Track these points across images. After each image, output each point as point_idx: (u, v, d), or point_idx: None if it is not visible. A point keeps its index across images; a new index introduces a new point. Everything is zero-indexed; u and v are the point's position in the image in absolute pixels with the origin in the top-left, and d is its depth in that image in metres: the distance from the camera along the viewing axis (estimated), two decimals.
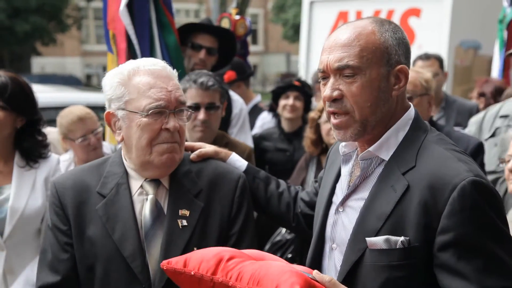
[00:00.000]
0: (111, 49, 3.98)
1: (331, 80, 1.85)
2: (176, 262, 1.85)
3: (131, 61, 2.24)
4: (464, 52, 7.45)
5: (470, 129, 3.66)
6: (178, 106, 2.15)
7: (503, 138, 3.33)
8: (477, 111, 4.95)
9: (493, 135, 3.39)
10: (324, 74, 1.88)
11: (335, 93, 1.84)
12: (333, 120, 1.88)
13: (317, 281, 1.68)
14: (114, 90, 2.16)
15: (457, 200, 1.68)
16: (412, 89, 3.20)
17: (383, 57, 1.83)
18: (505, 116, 3.38)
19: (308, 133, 4.09)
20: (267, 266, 1.74)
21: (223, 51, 4.27)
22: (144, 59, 2.26)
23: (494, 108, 3.52)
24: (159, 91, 2.11)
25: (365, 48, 1.81)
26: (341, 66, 1.82)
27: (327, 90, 1.86)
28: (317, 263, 2.02)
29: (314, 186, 2.39)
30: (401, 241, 1.74)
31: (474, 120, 3.64)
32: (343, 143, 2.00)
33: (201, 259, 1.82)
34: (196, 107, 3.25)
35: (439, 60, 5.25)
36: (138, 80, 2.13)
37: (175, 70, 2.25)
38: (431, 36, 7.20)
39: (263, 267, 1.74)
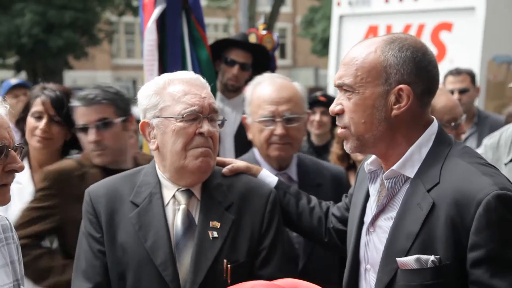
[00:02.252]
0: None
1: (338, 95, 1.93)
2: None
3: (166, 73, 2.32)
4: (497, 67, 7.33)
5: (487, 155, 3.42)
6: (211, 112, 2.22)
7: None
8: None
9: None
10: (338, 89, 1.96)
11: (337, 108, 1.92)
12: (338, 130, 1.97)
13: None
14: (149, 100, 2.23)
15: (483, 215, 1.67)
16: (458, 115, 3.09)
17: (379, 76, 1.84)
18: None
19: (335, 149, 4.10)
20: None
21: (257, 66, 4.29)
22: (178, 72, 2.34)
23: (509, 130, 3.36)
24: (193, 97, 2.19)
25: (361, 67, 1.85)
26: (339, 84, 1.90)
27: (333, 104, 1.94)
28: (353, 284, 2.02)
29: (345, 202, 2.39)
30: (432, 260, 1.72)
31: (489, 145, 3.43)
32: (368, 161, 2.01)
33: None
34: (84, 128, 2.87)
35: (470, 75, 5.17)
36: (172, 88, 2.21)
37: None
38: (463, 51, 7.10)
39: None
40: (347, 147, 1.94)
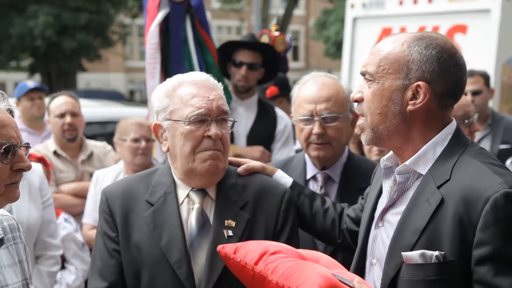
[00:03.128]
0: None
1: (362, 83, 1.95)
2: (229, 248, 2.05)
3: (178, 75, 2.32)
4: (511, 69, 7.29)
5: None
6: (220, 114, 2.21)
7: None
8: None
9: None
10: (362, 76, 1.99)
11: (357, 95, 1.95)
12: (358, 122, 1.99)
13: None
14: (160, 102, 2.26)
15: (490, 213, 1.67)
16: (470, 113, 3.17)
17: (401, 70, 1.85)
18: None
19: (350, 148, 4.07)
20: (304, 266, 1.83)
21: (269, 66, 4.31)
22: (190, 73, 2.35)
23: None
24: (200, 100, 2.19)
25: (385, 58, 1.88)
26: (363, 71, 1.94)
27: (354, 90, 1.97)
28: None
29: (361, 203, 2.39)
30: (436, 255, 1.73)
31: None
32: (385, 157, 2.02)
33: (249, 248, 1.99)
34: None
35: (484, 77, 5.15)
36: (182, 90, 2.22)
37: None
38: (478, 53, 7.06)
39: (300, 266, 1.84)
40: (363, 138, 1.96)
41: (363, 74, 1.93)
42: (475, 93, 5.01)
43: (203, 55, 3.98)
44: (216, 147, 2.20)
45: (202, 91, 2.21)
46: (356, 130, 3.83)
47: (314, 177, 2.78)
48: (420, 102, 1.84)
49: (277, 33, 6.15)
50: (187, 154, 2.20)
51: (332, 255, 2.29)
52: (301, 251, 2.04)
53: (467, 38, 7.19)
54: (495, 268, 1.67)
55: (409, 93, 1.85)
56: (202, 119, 2.19)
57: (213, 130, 2.18)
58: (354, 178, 2.72)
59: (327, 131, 2.67)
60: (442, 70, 1.84)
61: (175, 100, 2.22)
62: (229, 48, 4.26)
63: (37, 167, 3.20)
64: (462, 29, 7.30)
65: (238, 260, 1.98)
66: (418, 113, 1.86)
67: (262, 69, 4.31)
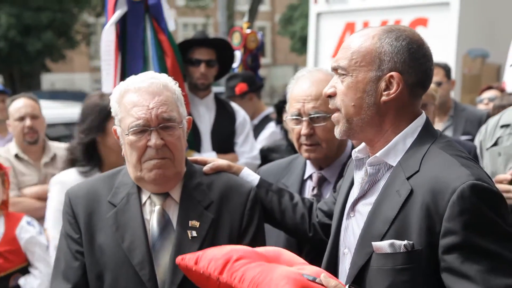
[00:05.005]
0: None
1: (333, 78, 1.98)
2: (189, 258, 1.97)
3: (129, 78, 2.28)
4: (472, 61, 7.43)
5: (477, 138, 3.71)
6: (161, 122, 2.16)
7: (505, 147, 3.38)
8: (488, 118, 4.92)
9: (495, 144, 3.44)
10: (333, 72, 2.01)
11: (330, 90, 1.97)
12: (332, 116, 2.01)
13: (322, 284, 1.75)
14: (113, 108, 2.25)
15: (457, 203, 1.71)
16: (425, 98, 3.22)
17: (373, 62, 1.89)
18: (506, 126, 3.45)
19: None
20: (271, 270, 1.81)
21: (222, 61, 4.33)
22: (138, 75, 2.28)
23: (494, 119, 3.59)
24: (140, 110, 2.15)
25: (356, 51, 1.91)
26: (335, 66, 1.96)
27: (326, 86, 1.99)
28: (332, 268, 2.05)
29: (333, 195, 2.41)
30: (404, 244, 1.76)
31: (480, 131, 3.70)
32: (356, 149, 2.05)
33: (211, 258, 1.91)
34: None
35: (444, 68, 5.23)
36: (126, 98, 2.19)
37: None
38: (439, 46, 7.14)
39: (266, 271, 1.80)
40: (337, 131, 1.97)
41: (335, 69, 1.95)
42: (436, 84, 5.09)
43: (163, 57, 3.95)
44: (160, 156, 2.16)
45: (143, 99, 2.15)
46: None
47: (311, 177, 2.71)
48: (394, 92, 1.88)
49: (248, 31, 6.17)
50: (135, 163, 2.19)
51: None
52: (262, 250, 2.00)
53: (428, 31, 7.30)
54: (462, 256, 1.70)
55: (383, 84, 1.88)
56: (142, 130, 2.15)
57: (153, 140, 2.14)
58: None
59: (316, 132, 2.55)
60: (413, 61, 1.88)
61: (122, 108, 2.20)
62: (183, 47, 4.24)
63: None
64: (423, 22, 7.41)
65: (201, 272, 1.92)
66: (391, 104, 1.89)
67: (218, 65, 4.32)
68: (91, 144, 3.27)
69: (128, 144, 2.18)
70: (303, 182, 2.70)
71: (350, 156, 2.64)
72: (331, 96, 1.96)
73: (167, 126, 2.17)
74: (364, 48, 1.90)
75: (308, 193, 2.68)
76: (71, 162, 3.42)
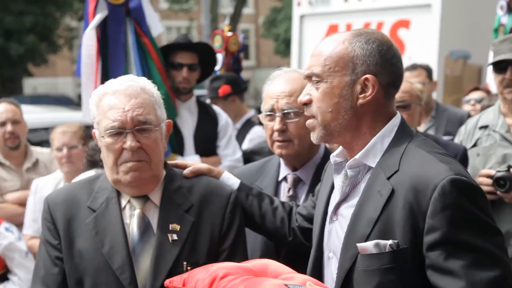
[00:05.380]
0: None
1: (307, 86, 1.99)
2: (177, 281, 1.96)
3: (108, 82, 2.27)
4: (453, 62, 7.49)
5: (457, 139, 3.76)
6: (136, 125, 2.15)
7: (484, 147, 3.43)
8: (468, 118, 4.97)
9: (474, 145, 3.48)
10: (307, 80, 2.01)
11: (305, 98, 1.98)
12: (306, 122, 2.00)
13: None
14: (92, 111, 2.24)
15: (438, 199, 1.72)
16: (409, 98, 3.29)
17: (347, 67, 1.90)
18: (484, 127, 3.49)
19: None
20: (256, 284, 1.78)
21: (204, 64, 4.32)
22: (117, 79, 2.28)
23: (473, 120, 3.64)
24: (115, 112, 2.15)
25: (329, 57, 1.93)
26: (308, 74, 1.97)
27: (301, 94, 2.00)
28: (317, 272, 2.06)
29: (312, 200, 2.40)
30: (390, 244, 1.77)
31: (459, 131, 3.75)
32: (334, 153, 2.05)
33: (197, 278, 1.91)
34: None
35: (426, 69, 5.28)
36: (104, 101, 2.19)
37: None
38: (421, 47, 7.24)
39: (251, 286, 1.79)
40: (314, 137, 1.98)
41: (308, 76, 1.96)
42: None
43: (145, 60, 3.93)
44: (136, 158, 2.15)
45: (119, 101, 2.16)
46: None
47: (285, 178, 2.70)
48: (370, 94, 1.89)
49: (230, 34, 6.16)
50: (111, 165, 2.18)
51: None
52: (248, 264, 1.99)
53: (410, 32, 7.36)
54: (445, 252, 1.71)
55: (358, 88, 1.89)
56: (117, 132, 2.15)
57: (128, 142, 2.13)
58: None
59: (288, 128, 2.56)
60: (384, 62, 1.91)
61: (99, 111, 2.20)
62: (165, 51, 4.23)
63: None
64: (405, 24, 7.46)
65: None
66: (368, 106, 1.91)
67: (200, 69, 4.31)
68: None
69: (104, 147, 2.18)
70: (277, 184, 2.70)
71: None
72: (307, 104, 1.97)
73: (143, 128, 2.16)
74: (336, 53, 1.91)
75: (284, 194, 2.68)
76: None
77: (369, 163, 1.92)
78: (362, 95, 1.90)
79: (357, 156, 1.93)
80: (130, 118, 2.14)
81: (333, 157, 2.05)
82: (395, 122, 1.95)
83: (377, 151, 1.91)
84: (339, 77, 1.90)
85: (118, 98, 2.17)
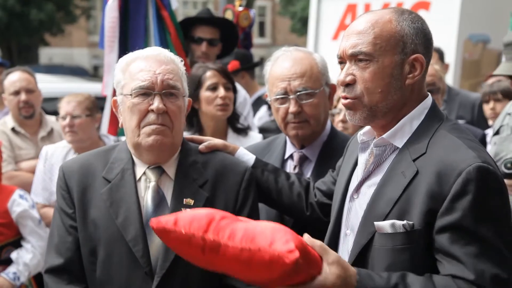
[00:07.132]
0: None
1: (346, 65, 1.92)
2: (166, 221, 1.77)
3: (136, 51, 2.29)
4: (473, 46, 7.39)
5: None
6: (165, 88, 2.17)
7: (501, 137, 3.32)
8: (481, 104, 4.91)
9: (497, 133, 3.39)
10: (341, 60, 1.95)
11: (348, 78, 1.91)
12: (343, 101, 1.94)
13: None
14: (117, 77, 2.25)
15: (461, 184, 1.71)
16: (438, 81, 3.46)
17: (397, 45, 1.87)
18: (509, 114, 3.38)
19: None
20: (261, 224, 1.73)
21: (226, 40, 4.28)
22: (146, 48, 2.31)
23: (507, 106, 3.51)
24: (146, 74, 2.17)
25: (379, 36, 1.87)
26: (355, 53, 1.89)
27: (341, 75, 1.93)
28: (333, 249, 2.00)
29: (332, 175, 2.41)
30: (403, 224, 1.77)
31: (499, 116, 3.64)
32: (361, 131, 2.05)
33: (192, 218, 1.76)
34: None
35: (438, 52, 5.22)
36: (133, 65, 2.21)
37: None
38: (440, 30, 7.08)
39: (257, 226, 1.73)
40: (355, 118, 1.93)
41: (354, 55, 1.89)
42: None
43: (164, 33, 3.92)
44: (160, 122, 2.16)
45: (150, 65, 2.18)
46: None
47: (291, 156, 2.71)
48: (418, 74, 1.88)
49: (240, 8, 6.10)
50: (133, 128, 2.19)
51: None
52: (242, 218, 1.84)
53: (430, 14, 7.25)
54: (452, 237, 1.71)
55: (407, 67, 1.88)
56: (145, 92, 2.16)
57: (156, 104, 2.14)
58: (333, 158, 2.51)
59: (303, 109, 2.55)
60: (427, 41, 1.91)
61: (126, 75, 2.21)
62: (187, 24, 4.20)
63: None
64: (425, 5, 7.35)
65: (183, 232, 1.73)
66: (414, 86, 1.90)
67: (220, 44, 4.28)
68: (192, 111, 3.26)
69: (129, 108, 2.18)
70: (284, 162, 2.71)
71: (330, 134, 2.70)
72: (350, 84, 1.92)
73: (171, 93, 2.19)
74: (386, 32, 1.87)
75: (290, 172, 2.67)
76: None
77: (396, 143, 1.91)
78: (410, 75, 1.88)
79: (384, 136, 1.92)
80: (161, 80, 2.17)
81: (360, 136, 2.05)
82: (426, 104, 1.93)
83: (405, 132, 1.90)
84: (390, 56, 1.87)
85: (149, 62, 2.19)
